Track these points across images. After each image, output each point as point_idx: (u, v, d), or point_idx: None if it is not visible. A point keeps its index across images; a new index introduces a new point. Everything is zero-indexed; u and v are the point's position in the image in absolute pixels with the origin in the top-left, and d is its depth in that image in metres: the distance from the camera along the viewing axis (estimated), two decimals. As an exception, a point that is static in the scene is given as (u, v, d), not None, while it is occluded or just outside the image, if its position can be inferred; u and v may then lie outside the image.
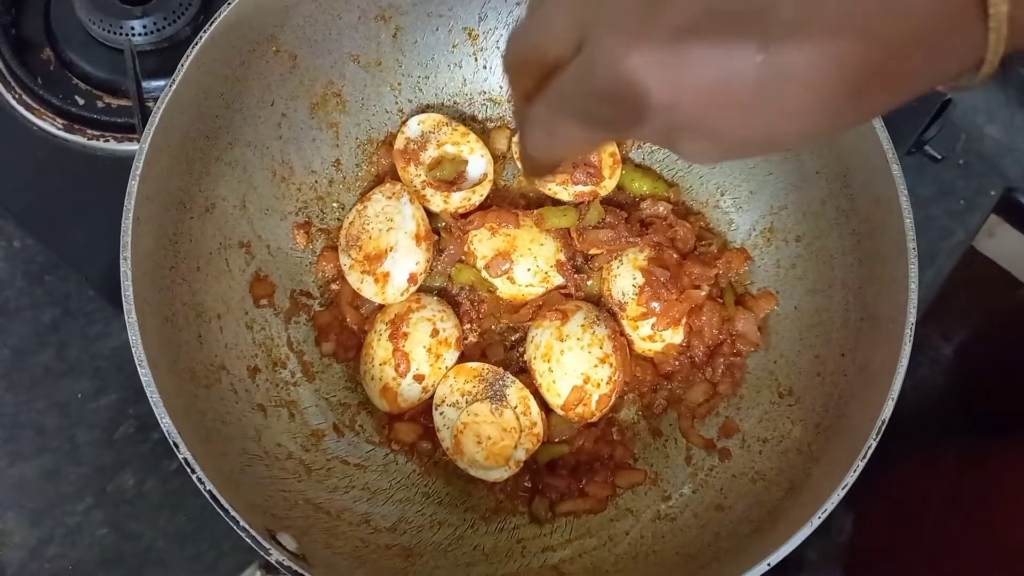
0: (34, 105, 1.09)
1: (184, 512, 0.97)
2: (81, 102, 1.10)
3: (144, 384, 0.70)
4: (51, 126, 1.08)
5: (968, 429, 1.31)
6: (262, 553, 0.68)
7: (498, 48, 1.03)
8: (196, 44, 0.79)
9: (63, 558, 0.95)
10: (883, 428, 0.74)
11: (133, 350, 0.71)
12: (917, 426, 1.05)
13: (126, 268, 0.72)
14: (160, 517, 0.97)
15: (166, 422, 0.69)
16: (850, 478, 0.72)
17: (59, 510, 0.97)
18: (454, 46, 1.02)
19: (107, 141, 1.08)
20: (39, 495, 0.98)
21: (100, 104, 1.11)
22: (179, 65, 0.79)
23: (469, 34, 1.02)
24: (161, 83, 1.07)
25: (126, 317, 0.72)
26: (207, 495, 0.68)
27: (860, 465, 0.72)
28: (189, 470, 0.69)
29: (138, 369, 0.71)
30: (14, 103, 1.09)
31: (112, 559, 0.96)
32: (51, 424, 1.00)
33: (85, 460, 0.99)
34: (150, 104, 0.78)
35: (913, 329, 0.77)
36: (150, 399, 0.70)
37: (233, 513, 0.67)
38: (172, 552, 0.96)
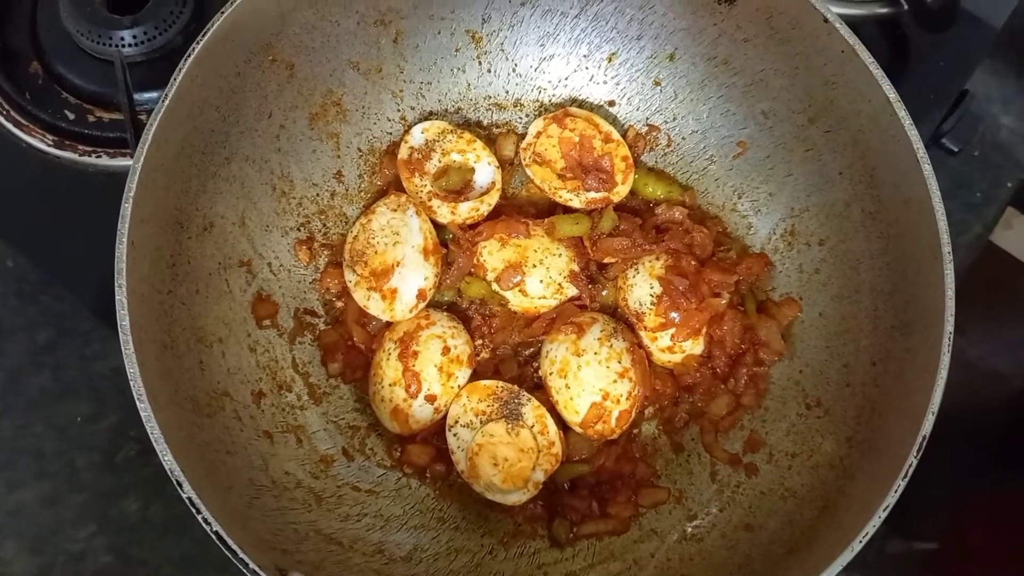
0: (23, 121, 1.06)
1: (190, 536, 0.94)
2: (71, 117, 1.07)
3: (144, 420, 0.67)
4: (41, 142, 1.05)
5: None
6: (273, 595, 0.65)
7: (503, 51, 0.99)
8: (189, 56, 0.75)
9: (66, 587, 0.92)
10: (924, 444, 0.70)
11: (131, 384, 0.67)
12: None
13: (121, 296, 0.69)
14: (165, 542, 0.95)
15: (168, 459, 0.66)
16: (891, 499, 0.69)
17: (60, 537, 0.94)
18: (457, 50, 0.98)
19: (99, 157, 1.05)
20: (39, 522, 0.95)
21: (91, 118, 1.07)
22: (171, 79, 0.75)
23: (472, 37, 0.98)
24: (153, 95, 1.04)
25: (123, 348, 0.68)
26: (213, 536, 0.65)
27: (901, 485, 0.69)
28: (194, 510, 0.65)
29: (137, 404, 0.67)
30: (2, 119, 1.06)
31: (116, 587, 0.93)
32: (49, 448, 0.97)
33: (86, 485, 0.96)
34: (142, 117, 0.75)
35: (951, 337, 0.74)
36: (151, 435, 0.67)
37: (242, 555, 0.64)
38: (179, 579, 0.93)
